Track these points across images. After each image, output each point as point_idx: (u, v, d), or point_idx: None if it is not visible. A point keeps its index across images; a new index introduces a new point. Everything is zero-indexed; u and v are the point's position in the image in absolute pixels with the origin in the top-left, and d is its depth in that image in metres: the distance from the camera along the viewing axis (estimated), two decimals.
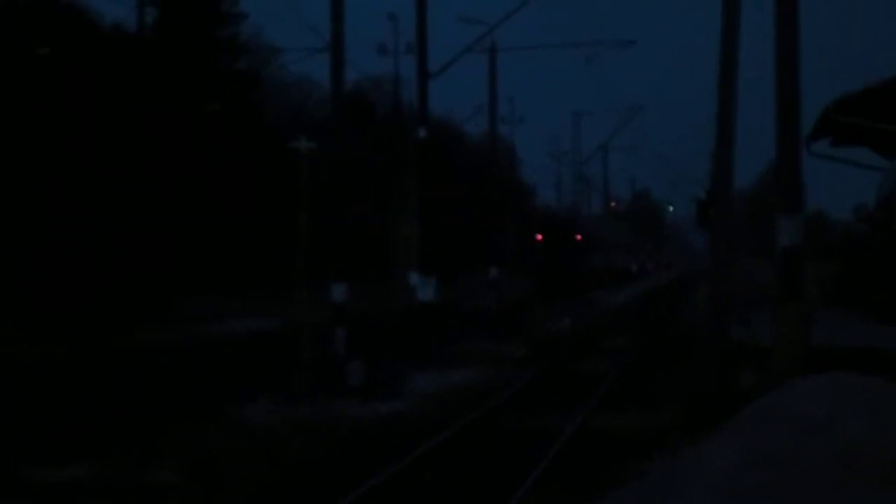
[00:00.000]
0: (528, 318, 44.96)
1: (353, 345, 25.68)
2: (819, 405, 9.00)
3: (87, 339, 32.99)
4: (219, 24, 53.48)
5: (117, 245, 40.66)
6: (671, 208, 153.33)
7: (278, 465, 16.32)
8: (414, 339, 31.08)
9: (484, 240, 51.48)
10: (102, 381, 25.60)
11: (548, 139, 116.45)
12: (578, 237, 79.06)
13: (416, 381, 25.62)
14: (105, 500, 14.17)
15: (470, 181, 69.35)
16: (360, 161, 52.91)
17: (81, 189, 39.70)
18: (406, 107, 56.44)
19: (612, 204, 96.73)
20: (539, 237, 75.24)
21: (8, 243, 36.79)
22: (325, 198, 27.50)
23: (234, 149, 49.99)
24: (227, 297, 44.93)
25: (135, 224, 41.53)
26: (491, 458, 17.31)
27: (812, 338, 16.94)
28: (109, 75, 42.25)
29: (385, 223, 57.75)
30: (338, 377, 23.63)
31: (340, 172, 27.92)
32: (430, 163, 35.25)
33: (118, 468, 15.49)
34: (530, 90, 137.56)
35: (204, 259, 46.53)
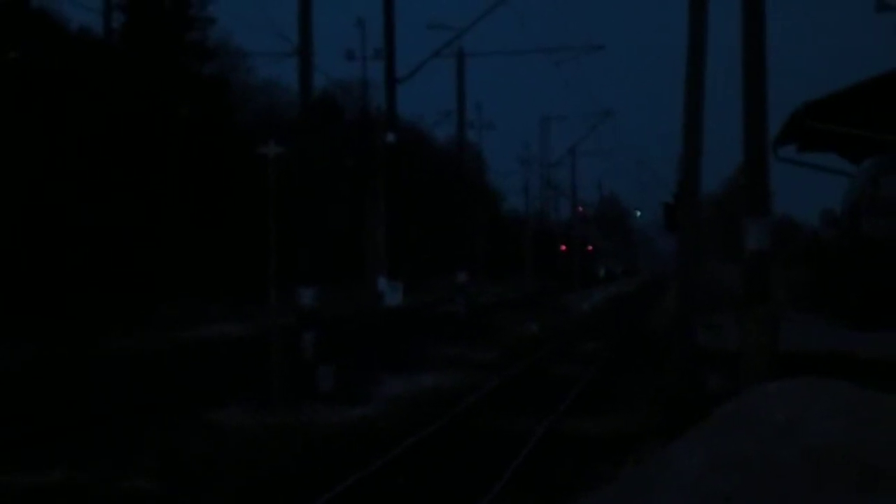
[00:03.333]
0: (498, 322, 45.01)
1: (324, 350, 25.65)
2: (789, 409, 9.03)
3: (62, 343, 32.83)
4: (187, 29, 53.27)
5: (90, 250, 40.48)
6: (639, 213, 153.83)
7: (251, 470, 16.30)
8: (385, 344, 31.06)
9: (454, 245, 51.60)
10: (76, 385, 25.51)
11: (517, 144, 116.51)
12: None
13: (386, 385, 25.62)
14: None
15: (438, 186, 69.72)
16: (330, 166, 52.85)
17: (56, 193, 39.49)
18: (374, 111, 56.41)
19: (580, 209, 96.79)
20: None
21: None
22: (295, 202, 27.44)
23: (204, 153, 49.82)
24: (202, 302, 44.79)
25: (107, 229, 41.36)
26: (462, 461, 17.34)
27: (781, 342, 17.02)
28: (79, 80, 42.04)
29: (358, 228, 57.77)
30: (308, 382, 23.62)
31: (310, 177, 27.87)
32: (399, 168, 35.22)
33: (93, 473, 15.44)
34: (500, 95, 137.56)
35: (178, 264, 46.39)
